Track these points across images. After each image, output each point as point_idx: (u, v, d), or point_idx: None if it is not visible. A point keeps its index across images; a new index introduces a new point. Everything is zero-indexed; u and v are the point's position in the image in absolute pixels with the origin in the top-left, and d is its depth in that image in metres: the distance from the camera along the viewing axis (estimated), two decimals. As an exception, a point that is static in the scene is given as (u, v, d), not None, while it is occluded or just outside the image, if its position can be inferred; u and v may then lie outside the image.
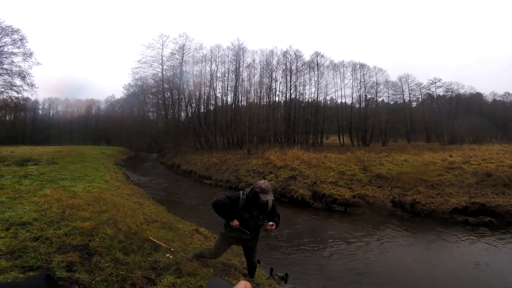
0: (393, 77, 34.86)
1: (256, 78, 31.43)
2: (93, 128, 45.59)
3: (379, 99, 33.96)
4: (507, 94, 36.77)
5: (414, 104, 35.20)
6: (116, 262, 2.89)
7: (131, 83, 35.83)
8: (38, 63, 19.24)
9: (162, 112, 34.68)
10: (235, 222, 3.34)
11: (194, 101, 32.77)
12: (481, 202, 8.89)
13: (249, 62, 31.44)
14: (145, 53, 31.91)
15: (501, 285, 4.95)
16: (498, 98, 36.73)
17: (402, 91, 34.14)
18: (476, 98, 34.12)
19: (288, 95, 31.65)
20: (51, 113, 53.59)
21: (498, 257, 6.09)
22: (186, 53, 31.75)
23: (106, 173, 13.19)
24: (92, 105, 55.29)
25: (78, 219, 4.13)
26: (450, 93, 33.00)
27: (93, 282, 2.36)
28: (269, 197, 3.27)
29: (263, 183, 3.31)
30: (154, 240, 3.95)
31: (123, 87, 38.57)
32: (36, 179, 7.86)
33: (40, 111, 52.57)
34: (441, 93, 33.95)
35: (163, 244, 3.89)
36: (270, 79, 31.17)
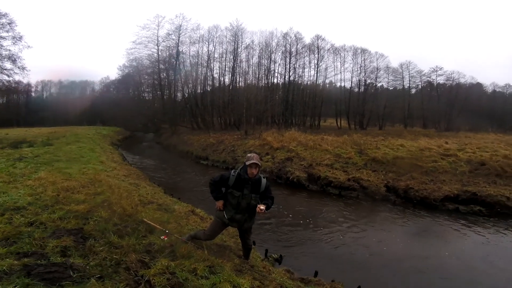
0: (394, 64, 34.54)
1: (255, 59, 30.88)
2: (88, 109, 44.77)
3: (379, 84, 33.85)
4: (507, 86, 36.85)
5: (413, 90, 35.16)
6: (110, 245, 2.89)
7: (126, 64, 35.03)
8: (29, 46, 18.59)
9: (158, 92, 34.06)
10: (219, 203, 3.47)
11: (190, 82, 32.12)
12: (473, 191, 8.99)
13: (247, 43, 30.71)
14: (140, 34, 30.87)
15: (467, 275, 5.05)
16: (498, 89, 36.82)
17: (402, 78, 33.96)
18: (476, 88, 34.11)
19: (287, 77, 31.22)
20: (44, 95, 52.73)
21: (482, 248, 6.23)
22: (183, 34, 30.70)
23: (101, 153, 13.07)
24: (87, 87, 54.37)
25: (73, 202, 4.11)
26: (451, 82, 32.98)
27: (88, 267, 2.36)
28: (253, 161, 3.29)
29: (250, 154, 3.45)
30: (149, 222, 3.94)
31: (117, 68, 37.78)
32: (30, 161, 7.81)
33: (33, 94, 51.75)
34: (441, 82, 33.96)
35: (158, 226, 3.89)
36: (269, 60, 30.63)
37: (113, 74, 67.13)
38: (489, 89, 36.48)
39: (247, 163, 3.33)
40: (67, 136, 16.72)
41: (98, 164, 9.17)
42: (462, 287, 4.73)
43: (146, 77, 34.92)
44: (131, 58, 33.09)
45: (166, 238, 3.55)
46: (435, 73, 33.44)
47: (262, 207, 3.26)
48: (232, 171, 3.44)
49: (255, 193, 3.40)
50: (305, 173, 11.68)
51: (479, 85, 34.78)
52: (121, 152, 19.34)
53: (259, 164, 3.37)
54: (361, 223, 7.48)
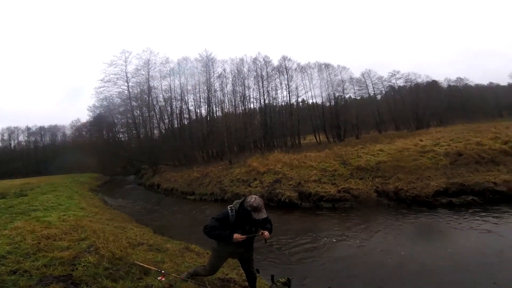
0: (357, 74, 36.62)
1: (229, 87, 31.38)
2: (61, 157, 42.55)
3: (347, 96, 35.53)
4: (459, 79, 40.45)
5: (379, 97, 37.24)
6: None
7: (96, 104, 33.45)
8: None
9: (134, 131, 33.15)
10: (237, 236, 3.05)
11: (166, 117, 31.89)
12: (460, 182, 9.25)
13: (220, 72, 31.39)
14: (107, 71, 30.23)
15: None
16: (452, 84, 40.14)
17: (367, 86, 35.96)
18: (433, 85, 36.87)
19: (262, 101, 31.99)
20: (12, 145, 49.55)
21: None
22: (152, 68, 30.77)
23: (81, 200, 12.48)
24: (57, 132, 51.81)
25: (56, 249, 3.86)
26: (410, 83, 35.52)
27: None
28: (263, 215, 3.04)
29: (254, 201, 3.04)
30: (141, 264, 3.69)
31: (87, 109, 36.07)
32: (4, 212, 7.40)
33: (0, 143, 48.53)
34: (401, 84, 36.35)
35: (153, 267, 3.66)
36: (243, 87, 31.29)
37: (84, 116, 65.31)
38: (444, 85, 39.65)
39: (255, 216, 3.01)
40: (42, 186, 15.83)
41: (79, 211, 8.74)
42: (482, 280, 4.51)
43: (119, 116, 33.80)
44: (101, 97, 31.85)
45: (163, 279, 3.33)
46: (394, 77, 35.88)
47: (266, 233, 3.13)
48: (230, 210, 3.15)
49: (255, 226, 3.20)
50: (296, 192, 11.64)
51: (435, 83, 37.64)
52: (101, 197, 18.43)
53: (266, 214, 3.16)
54: (360, 233, 7.38)
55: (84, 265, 3.36)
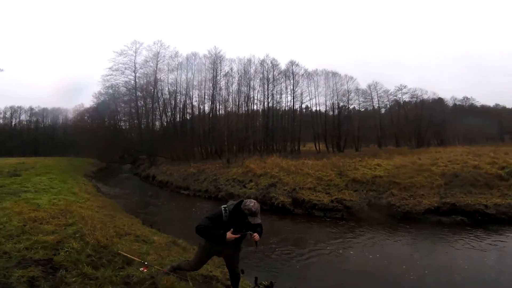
0: (363, 85, 36.56)
1: (234, 86, 31.38)
2: (61, 139, 42.45)
3: (351, 106, 35.54)
4: (465, 99, 40.26)
5: (383, 110, 37.20)
6: (84, 277, 2.67)
7: (102, 91, 33.61)
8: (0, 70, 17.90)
9: (135, 121, 33.21)
10: (230, 234, 3.05)
11: (169, 110, 31.90)
12: (452, 202, 9.39)
13: (226, 71, 31.36)
14: (116, 60, 30.40)
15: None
16: (458, 102, 40.06)
17: (372, 98, 35.94)
18: (438, 103, 36.73)
19: (265, 103, 32.03)
20: (13, 123, 49.28)
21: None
22: (161, 61, 30.84)
23: (74, 185, 12.41)
24: (59, 114, 51.63)
25: (41, 233, 3.85)
26: (415, 99, 35.40)
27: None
28: (258, 220, 3.09)
29: (253, 205, 3.08)
30: (125, 254, 3.69)
31: (92, 95, 35.85)
32: None
33: (0, 121, 48.32)
34: (406, 99, 36.22)
35: (136, 258, 3.65)
36: (248, 87, 31.32)
37: (88, 101, 65.25)
38: (450, 103, 39.52)
39: (251, 220, 3.06)
40: (37, 167, 15.75)
41: (70, 195, 8.70)
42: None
43: (123, 105, 33.85)
44: (107, 85, 32.01)
45: (145, 270, 3.32)
46: (400, 91, 35.66)
47: (256, 236, 3.14)
48: (223, 210, 3.17)
49: (246, 228, 3.20)
50: (289, 197, 11.64)
51: (440, 100, 37.48)
52: (95, 183, 18.38)
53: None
54: (348, 243, 7.45)
55: (66, 251, 3.33)
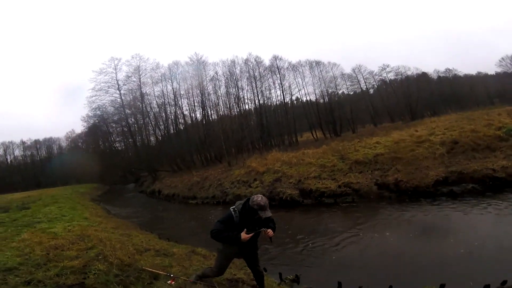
0: (347, 70, 36.70)
1: (223, 89, 31.32)
2: (59, 169, 42.17)
3: (340, 92, 35.78)
4: (448, 70, 40.94)
5: (371, 91, 37.62)
6: None
7: (90, 113, 33.22)
8: None
9: (130, 140, 32.97)
10: (245, 235, 3.10)
11: (161, 123, 31.71)
12: (458, 170, 9.27)
13: (212, 75, 31.33)
14: (98, 79, 29.98)
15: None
16: (441, 75, 40.66)
17: (358, 81, 36.23)
18: (423, 77, 37.30)
19: (256, 101, 32.02)
20: (9, 159, 48.98)
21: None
22: (143, 74, 30.54)
23: (84, 210, 12.52)
24: (52, 144, 51.40)
25: (66, 259, 3.93)
26: (400, 76, 36.00)
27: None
28: (268, 214, 3.12)
29: (260, 199, 3.10)
30: (150, 269, 3.75)
31: (81, 120, 35.32)
32: (9, 225, 7.45)
33: None
34: (392, 77, 36.76)
35: (161, 272, 3.72)
36: (236, 88, 31.26)
37: (78, 126, 64.65)
38: (434, 76, 40.13)
39: (262, 214, 3.07)
40: (43, 199, 15.85)
41: (83, 221, 8.85)
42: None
43: (114, 125, 33.52)
44: (93, 106, 31.49)
45: (173, 283, 3.39)
46: (384, 71, 36.25)
47: (270, 231, 3.19)
48: (233, 211, 3.20)
49: (259, 225, 3.25)
50: (296, 189, 11.70)
51: (425, 74, 38.12)
52: (104, 206, 18.40)
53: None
54: (365, 227, 7.35)
55: (94, 273, 3.42)
